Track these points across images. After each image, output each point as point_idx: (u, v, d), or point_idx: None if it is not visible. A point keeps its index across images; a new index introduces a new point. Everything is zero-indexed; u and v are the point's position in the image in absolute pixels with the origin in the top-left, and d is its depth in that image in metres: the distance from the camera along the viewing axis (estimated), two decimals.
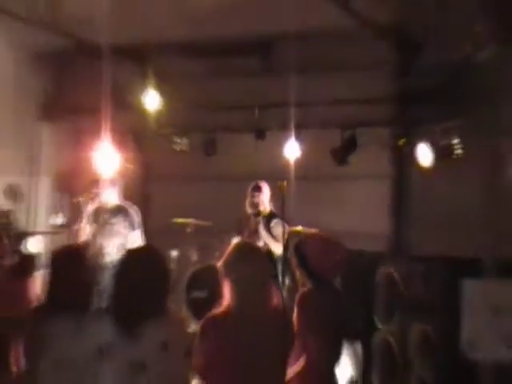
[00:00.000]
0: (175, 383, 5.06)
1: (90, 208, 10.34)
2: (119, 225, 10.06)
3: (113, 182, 10.26)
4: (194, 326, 10.05)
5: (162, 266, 5.33)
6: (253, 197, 10.63)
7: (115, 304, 5.05)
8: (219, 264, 5.52)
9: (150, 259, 5.25)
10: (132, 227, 10.06)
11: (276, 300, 5.67)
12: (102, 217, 10.17)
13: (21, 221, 13.05)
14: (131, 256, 5.38)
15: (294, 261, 7.03)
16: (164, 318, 5.03)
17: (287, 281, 8.27)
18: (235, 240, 6.19)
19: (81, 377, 4.88)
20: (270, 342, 5.29)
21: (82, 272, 5.75)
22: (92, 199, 10.36)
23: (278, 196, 10.60)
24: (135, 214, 10.15)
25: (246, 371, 5.18)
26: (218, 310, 5.36)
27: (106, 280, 10.13)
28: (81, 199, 10.64)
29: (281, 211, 10.41)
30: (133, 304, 4.93)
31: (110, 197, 10.14)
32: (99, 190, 10.19)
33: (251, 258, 5.57)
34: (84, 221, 10.45)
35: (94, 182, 10.21)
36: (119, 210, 10.13)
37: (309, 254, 6.71)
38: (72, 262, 5.71)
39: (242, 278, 5.34)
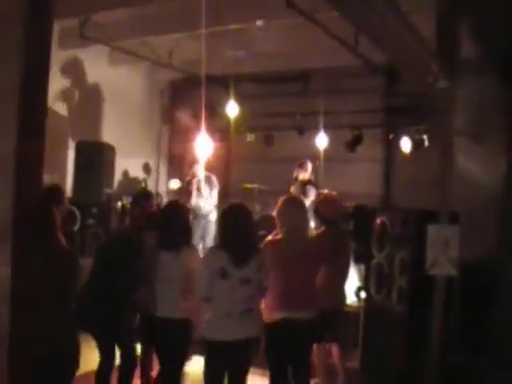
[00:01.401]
0: (264, 289, 5.18)
1: (191, 180, 10.63)
2: (206, 188, 10.32)
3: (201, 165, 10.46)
4: None
5: (251, 217, 5.38)
6: (297, 169, 10.76)
7: (229, 243, 5.08)
8: (276, 209, 5.60)
9: (244, 211, 5.30)
10: (213, 187, 10.30)
11: (308, 233, 5.84)
12: (197, 184, 10.44)
13: (151, 185, 13.33)
14: (232, 209, 5.31)
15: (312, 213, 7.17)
16: (257, 251, 5.13)
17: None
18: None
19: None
20: (304, 257, 5.44)
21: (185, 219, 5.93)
22: (193, 175, 10.55)
23: (314, 171, 10.84)
24: (215, 179, 10.39)
25: (289, 276, 5.34)
26: (273, 237, 5.54)
27: (202, 224, 10.41)
28: (188, 176, 10.85)
29: (315, 180, 10.62)
30: (240, 244, 5.06)
31: (201, 171, 10.35)
32: (197, 168, 10.41)
33: (295, 205, 5.68)
34: (188, 188, 10.73)
35: (194, 163, 10.42)
36: (206, 178, 10.38)
37: (320, 208, 6.86)
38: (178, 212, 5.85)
39: (289, 218, 5.49)
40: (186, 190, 11.07)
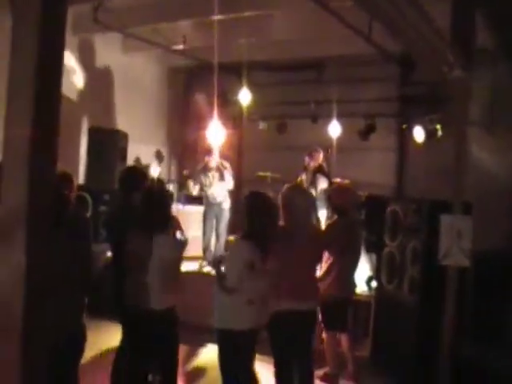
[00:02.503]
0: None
1: (203, 167, 10.56)
2: (219, 176, 10.24)
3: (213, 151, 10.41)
4: None
5: (275, 205, 5.32)
6: (307, 158, 10.73)
7: (256, 234, 5.00)
8: (281, 198, 5.53)
9: (271, 201, 5.26)
10: (226, 173, 10.23)
11: (313, 221, 5.80)
12: (210, 172, 10.37)
13: (162, 173, 13.33)
14: (260, 198, 5.27)
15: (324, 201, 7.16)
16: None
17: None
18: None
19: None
20: (310, 247, 5.44)
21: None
22: (206, 162, 10.45)
23: (326, 159, 10.82)
24: (228, 166, 10.32)
25: (295, 266, 5.29)
26: (281, 226, 5.43)
27: (216, 212, 10.33)
28: (200, 163, 10.76)
29: (328, 168, 10.62)
30: (266, 235, 5.02)
31: (214, 159, 10.28)
32: (210, 156, 10.34)
33: (300, 194, 5.65)
34: (200, 175, 10.67)
35: (207, 150, 10.37)
36: (218, 168, 10.30)
37: (333, 196, 6.85)
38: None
39: (294, 207, 5.44)
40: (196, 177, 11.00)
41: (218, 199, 10.34)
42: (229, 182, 10.36)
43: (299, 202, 5.51)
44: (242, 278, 4.88)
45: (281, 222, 5.51)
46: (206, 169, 10.45)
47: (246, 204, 5.15)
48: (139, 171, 6.37)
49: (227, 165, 10.52)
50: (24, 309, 2.59)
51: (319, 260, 5.70)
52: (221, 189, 10.33)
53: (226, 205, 10.32)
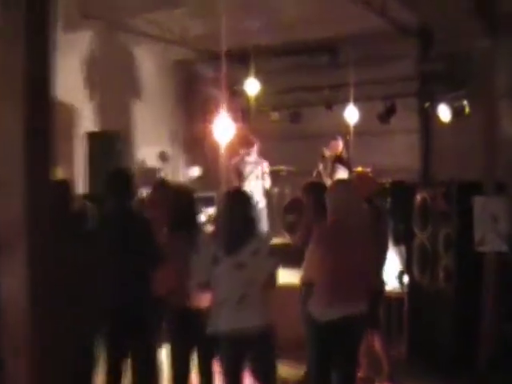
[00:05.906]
0: (263, 273, 5.10)
1: (239, 160, 10.64)
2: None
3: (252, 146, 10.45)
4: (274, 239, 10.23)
5: (252, 207, 5.34)
6: (324, 150, 10.75)
7: (222, 231, 5.15)
8: (326, 194, 5.53)
9: (240, 198, 5.29)
10: (262, 172, 10.27)
11: (361, 215, 5.76)
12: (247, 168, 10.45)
13: (168, 175, 13.31)
14: (227, 197, 5.37)
15: None
16: (254, 237, 5.14)
17: None
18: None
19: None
20: (357, 244, 5.36)
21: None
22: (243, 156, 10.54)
23: (345, 146, 10.84)
24: (265, 165, 10.39)
25: (345, 256, 5.24)
26: (329, 221, 5.43)
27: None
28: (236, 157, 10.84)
29: (347, 156, 10.63)
30: (233, 237, 5.05)
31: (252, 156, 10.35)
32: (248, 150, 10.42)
33: (346, 189, 5.61)
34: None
35: (245, 143, 10.45)
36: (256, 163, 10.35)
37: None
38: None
39: (341, 202, 5.38)
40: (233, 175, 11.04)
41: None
42: (267, 180, 10.46)
43: (344, 196, 5.45)
44: (210, 275, 4.98)
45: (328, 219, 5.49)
46: (243, 162, 10.58)
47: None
48: (126, 173, 6.35)
49: (265, 163, 10.64)
50: (31, 320, 2.63)
51: (369, 256, 5.60)
52: (255, 186, 10.39)
53: (262, 204, 10.38)
